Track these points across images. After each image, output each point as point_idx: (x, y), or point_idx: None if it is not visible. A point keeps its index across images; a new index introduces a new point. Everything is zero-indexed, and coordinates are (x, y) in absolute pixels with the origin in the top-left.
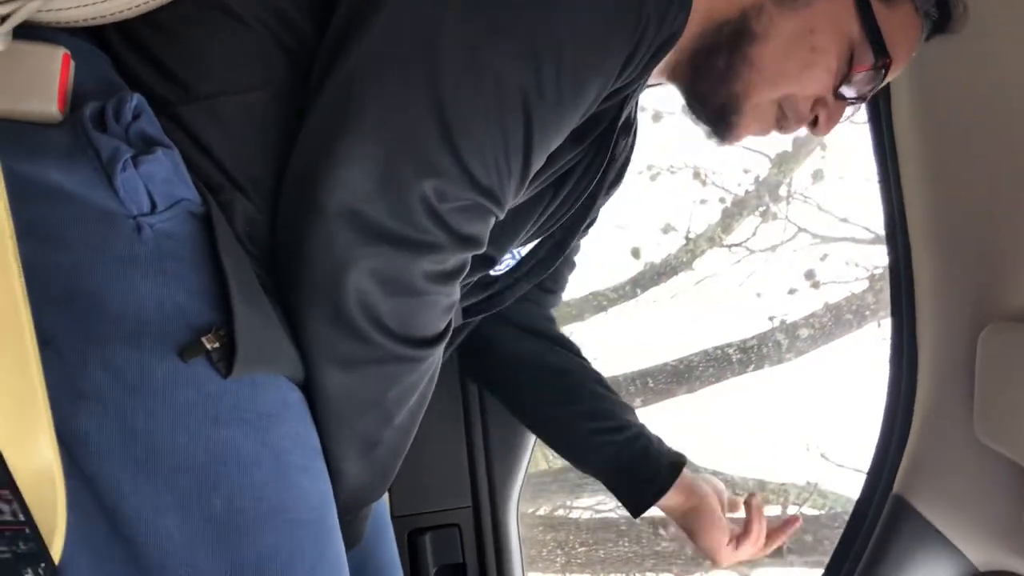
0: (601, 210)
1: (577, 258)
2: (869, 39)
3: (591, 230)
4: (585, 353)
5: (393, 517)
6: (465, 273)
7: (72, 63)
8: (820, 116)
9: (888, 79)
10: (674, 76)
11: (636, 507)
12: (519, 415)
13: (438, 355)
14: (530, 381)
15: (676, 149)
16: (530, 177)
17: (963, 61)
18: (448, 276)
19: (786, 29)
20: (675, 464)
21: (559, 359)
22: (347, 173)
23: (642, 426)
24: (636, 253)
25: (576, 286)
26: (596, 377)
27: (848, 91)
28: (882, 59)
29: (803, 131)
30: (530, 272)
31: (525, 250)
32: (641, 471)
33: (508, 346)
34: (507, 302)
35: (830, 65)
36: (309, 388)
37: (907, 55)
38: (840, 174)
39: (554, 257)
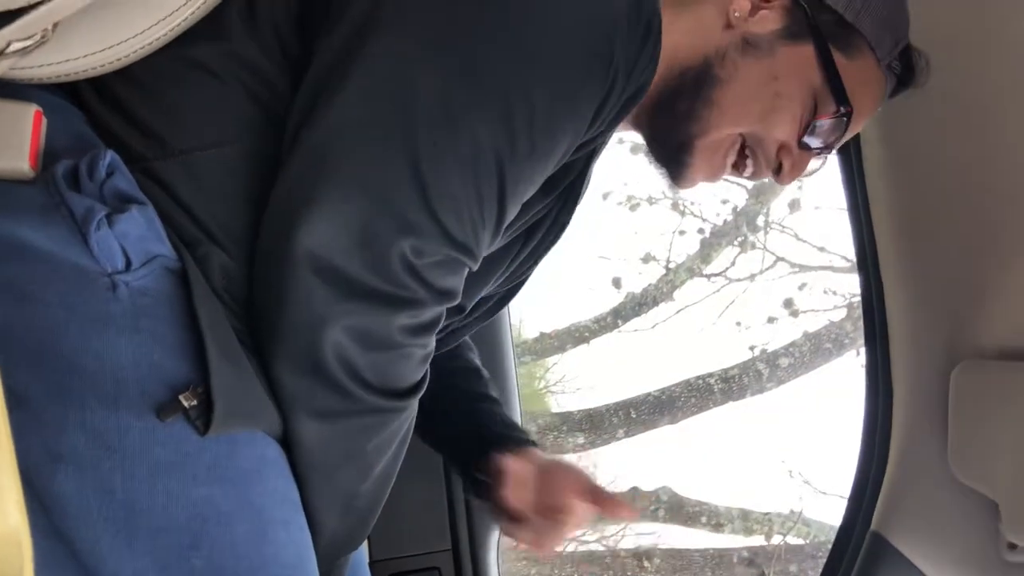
0: (580, 241)
1: (559, 289)
2: (830, 88)
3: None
4: (568, 384)
5: (372, 562)
6: (441, 324)
7: (44, 120)
8: (784, 163)
9: (852, 132)
10: (637, 123)
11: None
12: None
13: (415, 405)
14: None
15: (654, 180)
16: (504, 228)
17: (932, 99)
18: (425, 328)
19: (750, 74)
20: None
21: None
22: (324, 229)
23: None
24: (617, 283)
25: (558, 317)
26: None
27: (812, 141)
28: (844, 107)
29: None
30: (480, 316)
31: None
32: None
33: None
34: (451, 346)
35: (795, 112)
36: (287, 441)
37: (870, 108)
38: (816, 204)
39: (503, 303)
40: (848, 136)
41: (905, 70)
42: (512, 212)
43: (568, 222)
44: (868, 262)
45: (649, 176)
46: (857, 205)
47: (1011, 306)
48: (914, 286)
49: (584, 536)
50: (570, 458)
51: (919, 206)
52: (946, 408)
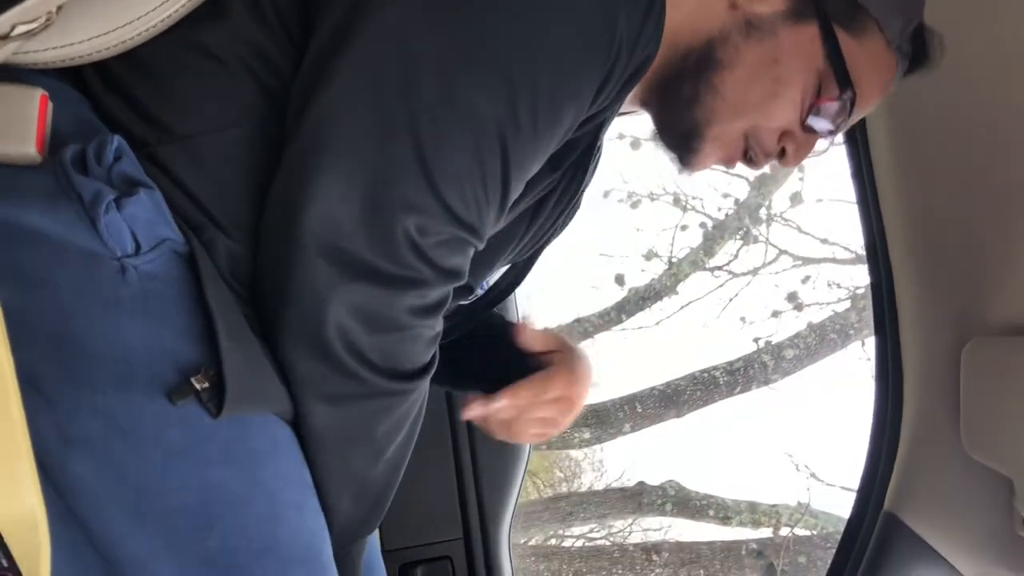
0: (582, 239)
1: (562, 285)
2: (833, 70)
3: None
4: None
5: (384, 551)
6: (448, 305)
7: (50, 104)
8: (788, 148)
9: (860, 114)
10: (644, 103)
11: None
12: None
13: (424, 387)
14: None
15: (656, 175)
16: (509, 206)
17: (940, 82)
18: (431, 309)
19: (751, 58)
20: None
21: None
22: (327, 209)
23: None
24: (620, 280)
25: (561, 313)
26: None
27: (817, 123)
28: (847, 91)
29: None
30: (493, 300)
31: (491, 280)
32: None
33: None
34: (466, 329)
35: (794, 96)
36: (298, 425)
37: (878, 90)
38: (818, 196)
39: (516, 284)
40: (855, 119)
41: (917, 51)
42: (516, 190)
43: (576, 196)
44: (876, 245)
45: (649, 172)
46: (865, 189)
47: (1021, 282)
48: (922, 266)
49: (592, 532)
50: (576, 454)
51: (927, 187)
52: (957, 386)
